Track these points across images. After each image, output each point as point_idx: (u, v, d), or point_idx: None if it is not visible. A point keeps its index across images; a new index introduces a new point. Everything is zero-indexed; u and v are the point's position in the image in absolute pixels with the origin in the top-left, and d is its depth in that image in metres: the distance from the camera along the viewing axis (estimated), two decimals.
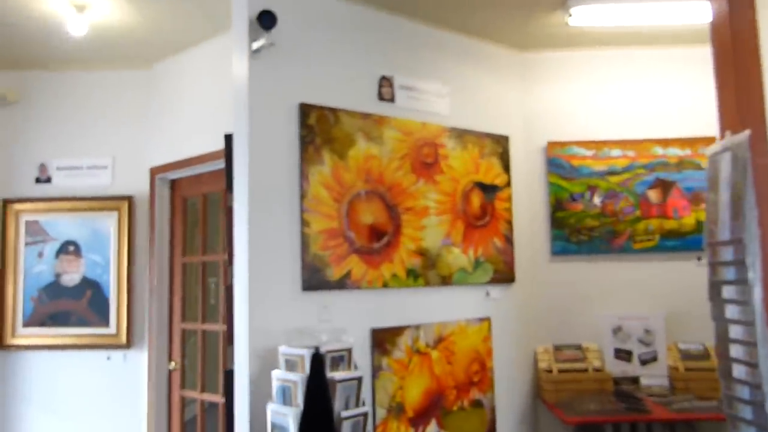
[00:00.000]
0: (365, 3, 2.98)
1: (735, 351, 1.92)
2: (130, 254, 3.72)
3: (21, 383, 3.68)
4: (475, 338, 3.19)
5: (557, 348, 3.41)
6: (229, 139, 2.79)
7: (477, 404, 3.15)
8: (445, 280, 3.08)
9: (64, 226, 3.73)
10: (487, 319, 3.26)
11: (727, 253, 1.97)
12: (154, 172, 3.73)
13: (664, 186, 3.51)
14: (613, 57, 3.64)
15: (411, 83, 3.12)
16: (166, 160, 3.66)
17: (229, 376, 2.63)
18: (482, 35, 3.43)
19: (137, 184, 3.77)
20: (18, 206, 3.74)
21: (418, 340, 2.94)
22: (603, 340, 3.39)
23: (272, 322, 2.52)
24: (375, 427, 2.72)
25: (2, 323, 3.68)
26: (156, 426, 3.59)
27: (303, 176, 2.65)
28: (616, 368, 3.32)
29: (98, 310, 3.68)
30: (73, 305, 3.69)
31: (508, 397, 3.32)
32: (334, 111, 2.78)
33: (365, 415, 2.31)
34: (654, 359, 3.31)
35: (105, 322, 3.67)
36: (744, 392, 1.85)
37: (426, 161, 3.08)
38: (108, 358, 3.68)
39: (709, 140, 3.48)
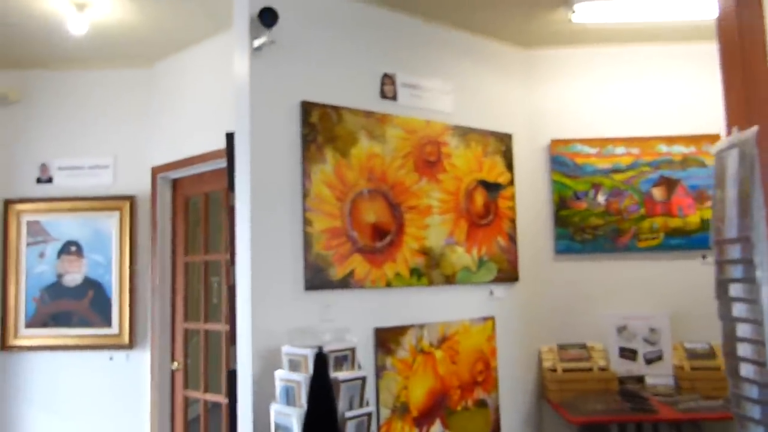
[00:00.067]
0: (367, 0, 2.96)
1: (743, 350, 1.90)
2: (132, 254, 3.71)
3: (24, 384, 3.67)
4: (479, 338, 3.17)
5: (561, 347, 3.39)
6: (230, 137, 2.77)
7: (481, 404, 3.13)
8: (449, 280, 3.06)
9: (66, 226, 3.72)
10: (491, 319, 3.24)
11: (734, 251, 1.95)
12: (156, 171, 3.72)
13: (669, 184, 3.48)
14: (617, 54, 3.61)
15: (413, 81, 3.10)
16: (167, 159, 3.64)
17: (232, 376, 2.61)
18: (485, 32, 3.41)
19: (139, 184, 3.76)
20: (19, 206, 3.73)
21: (421, 340, 2.92)
22: (608, 339, 3.37)
23: (275, 321, 2.50)
24: (379, 428, 2.71)
25: (4, 324, 3.67)
26: (159, 426, 3.58)
27: (305, 175, 2.63)
28: (621, 367, 3.30)
29: (100, 311, 3.67)
30: (75, 306, 3.67)
31: (513, 396, 3.31)
32: (336, 109, 2.76)
33: (369, 415, 2.29)
34: (659, 358, 3.29)
35: (107, 322, 3.66)
36: (752, 391, 1.83)
37: (429, 159, 3.06)
38: (111, 359, 3.66)
39: (713, 137, 3.46)
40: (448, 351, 3.02)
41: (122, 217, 3.72)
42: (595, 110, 3.60)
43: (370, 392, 2.62)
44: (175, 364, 3.63)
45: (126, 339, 3.64)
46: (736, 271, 1.94)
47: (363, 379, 2.31)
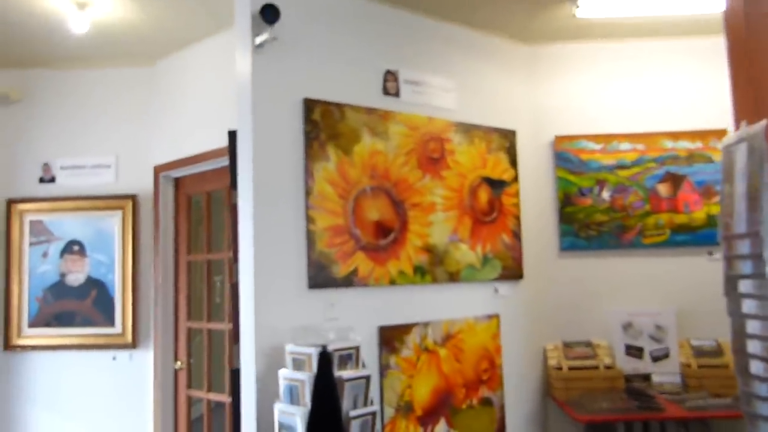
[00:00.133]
0: None
1: (752, 347, 1.87)
2: (135, 253, 3.70)
3: (27, 384, 3.66)
4: (484, 335, 3.14)
5: (567, 345, 3.36)
6: (233, 135, 2.75)
7: (486, 402, 3.11)
8: (453, 277, 3.04)
9: (68, 225, 3.71)
10: (496, 316, 3.22)
11: (743, 247, 1.92)
12: (158, 170, 3.70)
13: (675, 180, 3.45)
14: (622, 49, 3.58)
15: (416, 77, 3.08)
16: (170, 158, 3.63)
17: (235, 375, 2.60)
18: (488, 28, 3.38)
19: (141, 183, 3.75)
20: (22, 206, 3.72)
21: (426, 338, 2.90)
22: (613, 336, 3.35)
23: (278, 320, 2.48)
24: (383, 427, 2.69)
25: (8, 324, 3.66)
26: (162, 426, 3.57)
27: (308, 172, 2.61)
28: (627, 365, 3.27)
29: (103, 310, 3.66)
30: (78, 305, 3.66)
31: (518, 395, 3.28)
32: (338, 106, 2.74)
33: (374, 414, 2.27)
34: (666, 356, 3.26)
35: (110, 321, 3.65)
36: (762, 389, 1.81)
37: (432, 156, 3.04)
38: (114, 358, 3.66)
39: (720, 132, 3.43)
40: (453, 349, 3.00)
41: (125, 216, 3.71)
42: (599, 106, 3.57)
43: (374, 391, 2.60)
44: (179, 363, 3.62)
45: (129, 338, 3.63)
46: (746, 267, 1.91)
47: (367, 378, 2.29)
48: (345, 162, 2.72)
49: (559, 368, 3.26)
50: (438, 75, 3.16)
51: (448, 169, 3.09)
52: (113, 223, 3.72)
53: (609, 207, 3.45)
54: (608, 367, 3.23)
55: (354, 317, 2.68)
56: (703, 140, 3.47)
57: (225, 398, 3.32)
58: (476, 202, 3.19)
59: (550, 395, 3.34)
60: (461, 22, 3.27)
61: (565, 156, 3.50)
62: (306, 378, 2.19)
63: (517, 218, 3.35)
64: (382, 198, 2.82)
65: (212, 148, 3.31)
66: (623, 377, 3.21)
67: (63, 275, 3.68)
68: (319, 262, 2.59)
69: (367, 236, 2.75)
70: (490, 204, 3.25)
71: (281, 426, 2.24)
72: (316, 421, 2.12)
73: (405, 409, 2.78)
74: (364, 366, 2.36)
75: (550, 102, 3.58)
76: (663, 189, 3.45)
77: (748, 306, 1.89)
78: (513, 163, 3.38)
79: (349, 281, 2.67)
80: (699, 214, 3.41)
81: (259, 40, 2.53)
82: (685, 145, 3.48)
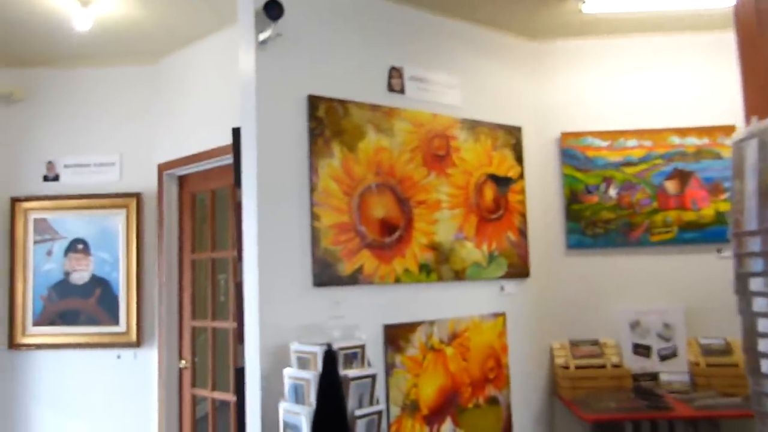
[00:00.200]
0: None
1: (764, 345, 1.84)
2: (139, 252, 3.69)
3: (31, 382, 3.66)
4: (490, 334, 3.12)
5: (573, 344, 3.33)
6: (237, 132, 2.73)
7: (493, 401, 3.08)
8: (459, 275, 3.02)
9: (73, 223, 3.70)
10: (502, 315, 3.19)
11: (754, 244, 1.89)
12: (162, 168, 3.69)
13: (682, 176, 3.42)
14: (628, 45, 3.55)
15: (421, 74, 3.05)
16: (173, 156, 3.62)
17: (240, 374, 2.58)
18: (493, 24, 3.35)
19: (145, 181, 3.74)
20: (26, 204, 3.72)
21: (432, 337, 2.88)
22: (621, 335, 3.32)
23: (283, 318, 2.46)
24: (389, 426, 2.67)
25: (12, 322, 3.66)
26: (167, 424, 3.56)
27: (312, 169, 2.59)
28: (635, 364, 3.24)
29: (108, 309, 3.65)
30: (83, 304, 3.66)
31: (524, 394, 3.26)
32: (343, 103, 2.72)
33: (380, 413, 2.25)
34: (674, 355, 3.23)
35: (115, 320, 3.65)
36: None
37: (437, 153, 3.02)
38: (118, 357, 3.65)
39: (728, 128, 3.39)
40: (459, 348, 2.98)
41: (129, 214, 3.70)
42: (605, 102, 3.53)
43: (379, 390, 2.58)
44: (183, 362, 3.61)
45: (133, 337, 3.62)
46: (756, 265, 1.88)
47: (373, 377, 2.27)
48: (350, 159, 2.70)
49: (566, 367, 3.24)
50: (443, 71, 3.14)
51: (454, 167, 3.07)
52: (117, 221, 3.71)
53: (616, 204, 3.42)
54: (615, 366, 3.20)
55: (359, 315, 2.66)
56: (710, 136, 3.43)
57: (230, 397, 3.31)
58: (482, 199, 3.16)
59: (557, 394, 3.32)
60: (466, 18, 3.24)
61: (572, 153, 3.47)
62: (311, 377, 2.17)
63: (523, 216, 3.33)
64: (388, 195, 2.80)
65: (216, 146, 3.29)
66: (631, 376, 3.18)
67: (67, 274, 3.68)
68: (324, 260, 2.57)
69: (373, 234, 2.73)
70: (496, 201, 3.22)
71: (286, 425, 2.22)
72: (322, 421, 2.11)
73: (411, 408, 2.76)
74: (369, 365, 2.34)
75: (556, 98, 3.55)
76: (670, 186, 3.42)
77: (759, 304, 1.86)
78: (519, 160, 3.35)
79: (354, 279, 2.65)
80: (707, 211, 3.38)
81: (262, 36, 2.51)
82: (693, 141, 3.44)
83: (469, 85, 3.23)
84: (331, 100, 2.68)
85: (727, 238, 3.30)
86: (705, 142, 3.43)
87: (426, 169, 2.96)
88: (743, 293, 1.97)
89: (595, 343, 3.32)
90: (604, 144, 3.47)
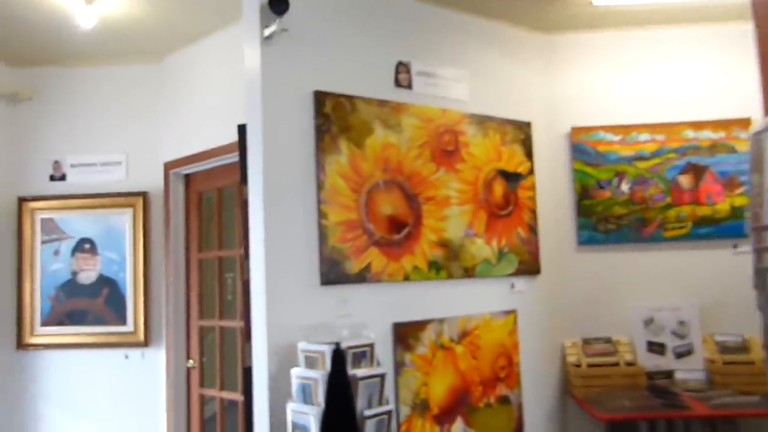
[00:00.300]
0: None
1: None
2: (146, 251, 3.67)
3: (40, 382, 3.65)
4: (501, 332, 3.07)
5: (586, 341, 3.28)
6: (242, 129, 2.70)
7: (504, 400, 3.04)
8: (469, 272, 2.97)
9: (79, 223, 3.69)
10: (513, 312, 3.14)
11: None
12: (168, 167, 3.67)
13: (696, 171, 3.35)
14: (640, 37, 3.48)
15: (429, 69, 3.00)
16: (180, 154, 3.59)
17: (247, 373, 2.55)
18: (502, 17, 3.30)
19: (151, 180, 3.72)
20: (33, 204, 3.71)
21: (441, 335, 2.83)
22: (634, 332, 3.26)
23: (290, 317, 2.43)
24: (399, 426, 2.63)
25: (20, 322, 3.65)
26: (175, 424, 3.54)
27: (319, 166, 2.56)
28: (649, 362, 3.18)
29: (115, 308, 3.64)
30: (90, 303, 3.65)
31: (536, 392, 3.21)
32: (350, 98, 2.68)
33: (389, 413, 2.21)
34: (689, 352, 3.16)
35: (122, 320, 3.63)
36: None
37: (446, 149, 2.97)
38: (126, 357, 3.63)
39: (743, 122, 3.32)
40: (469, 346, 2.93)
41: (135, 213, 3.69)
42: (617, 96, 3.47)
43: (389, 389, 2.54)
44: (191, 361, 3.59)
45: (141, 337, 3.60)
46: None
47: (382, 377, 2.23)
48: (357, 155, 2.66)
49: (578, 365, 3.18)
50: (451, 66, 3.09)
51: (463, 162, 3.02)
52: (124, 220, 3.69)
53: (628, 199, 3.36)
54: (629, 364, 3.14)
55: (368, 314, 2.62)
56: (725, 129, 3.36)
57: (238, 397, 3.28)
58: (491, 195, 3.11)
59: (570, 393, 3.26)
60: (474, 12, 3.19)
61: (582, 148, 3.41)
62: (319, 376, 2.13)
63: (534, 212, 3.27)
64: (396, 192, 2.76)
65: (222, 144, 3.27)
66: (645, 374, 3.12)
67: (75, 273, 3.67)
68: (331, 258, 2.54)
69: (381, 231, 2.69)
70: (506, 197, 3.17)
71: (294, 426, 2.18)
72: (330, 421, 2.07)
73: (421, 407, 2.72)
74: (378, 364, 2.31)
75: (566, 92, 3.50)
76: (684, 180, 3.35)
77: None
78: (528, 155, 3.30)
79: (362, 277, 2.61)
80: (722, 206, 3.31)
81: (267, 32, 2.48)
82: (707, 134, 3.37)
83: (477, 79, 3.18)
84: (337, 95, 2.64)
85: (744, 232, 3.24)
86: (720, 135, 3.36)
87: (434, 165, 2.91)
88: (762, 288, 1.92)
89: (608, 340, 3.26)
90: (616, 138, 3.41)
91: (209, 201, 3.65)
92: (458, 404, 2.86)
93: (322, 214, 2.53)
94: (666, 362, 3.18)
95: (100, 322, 3.63)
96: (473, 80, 3.16)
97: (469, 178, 3.03)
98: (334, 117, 2.62)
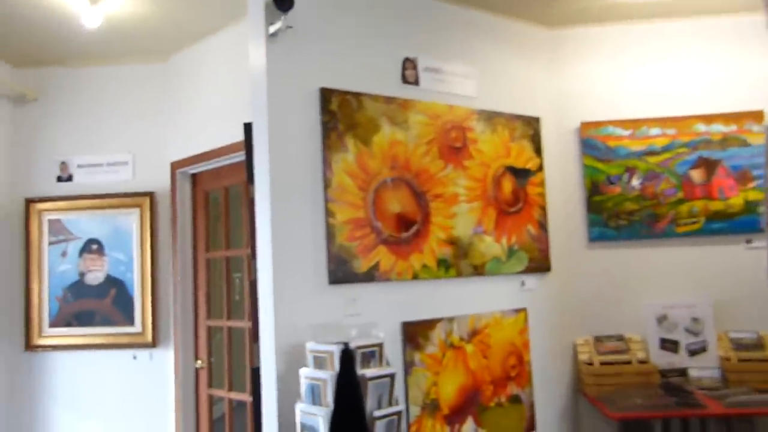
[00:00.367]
0: None
1: None
2: (153, 251, 3.66)
3: (48, 383, 3.65)
4: (511, 330, 3.03)
5: (598, 339, 3.23)
6: (248, 128, 2.68)
7: (515, 400, 3.00)
8: (478, 270, 2.93)
9: (87, 224, 3.68)
10: (523, 310, 3.11)
11: None
12: (175, 166, 3.65)
13: (708, 165, 3.30)
14: (648, 30, 3.43)
15: (436, 65, 2.97)
16: (186, 153, 3.57)
17: (255, 374, 2.53)
18: (509, 12, 3.26)
19: (158, 180, 3.70)
20: (40, 205, 3.70)
21: (451, 334, 2.80)
22: (647, 330, 3.21)
23: (298, 317, 2.41)
24: (409, 426, 2.60)
25: (29, 324, 3.65)
26: (184, 425, 3.53)
27: (326, 164, 2.53)
28: (662, 360, 3.14)
29: (123, 309, 3.63)
30: (98, 304, 3.64)
31: (548, 391, 3.17)
32: (356, 95, 2.65)
33: (399, 414, 2.18)
34: (703, 350, 3.11)
35: (130, 320, 3.62)
36: None
37: (454, 146, 2.94)
38: (134, 357, 3.62)
39: (756, 114, 3.27)
40: (479, 345, 2.90)
41: (142, 213, 3.67)
42: (626, 90, 3.42)
43: (398, 389, 2.51)
44: (199, 362, 3.57)
45: (149, 337, 3.59)
46: None
47: (392, 377, 2.20)
48: (364, 153, 2.63)
49: (590, 363, 3.14)
50: (458, 62, 3.05)
51: (471, 159, 2.98)
52: (131, 221, 3.68)
53: (639, 195, 3.31)
54: (642, 362, 3.10)
55: (376, 313, 2.59)
56: (737, 123, 3.31)
57: (247, 397, 3.26)
58: (500, 192, 3.07)
59: (582, 391, 3.22)
60: (481, 7, 3.15)
61: (592, 143, 3.37)
62: (328, 377, 2.11)
63: (543, 208, 3.23)
64: (404, 189, 2.73)
65: (229, 143, 3.24)
66: (658, 372, 3.08)
67: (82, 274, 3.66)
68: (339, 257, 2.51)
69: (389, 229, 2.65)
70: (515, 194, 3.13)
71: (303, 426, 2.16)
72: (339, 422, 2.04)
73: (431, 407, 2.69)
74: (388, 364, 2.27)
75: (575, 87, 3.45)
76: (696, 175, 3.30)
77: None
78: (537, 151, 3.26)
79: (370, 276, 2.58)
80: (735, 200, 3.25)
81: (273, 29, 2.45)
82: (719, 128, 3.32)
83: (485, 75, 3.14)
84: (344, 92, 2.62)
85: (758, 227, 3.18)
86: (732, 129, 3.31)
87: (442, 162, 2.88)
88: None
89: (620, 338, 3.22)
90: (626, 133, 3.37)
91: (216, 200, 3.63)
92: (469, 404, 2.82)
93: (329, 213, 2.51)
94: (679, 360, 3.13)
95: (107, 323, 3.62)
96: (481, 76, 3.12)
97: (477, 175, 3.00)
98: (340, 114, 2.59)
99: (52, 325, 3.64)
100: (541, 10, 3.24)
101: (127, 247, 3.67)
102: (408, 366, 2.65)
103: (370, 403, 2.12)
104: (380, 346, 2.24)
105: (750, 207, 3.22)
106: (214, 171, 3.55)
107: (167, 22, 3.27)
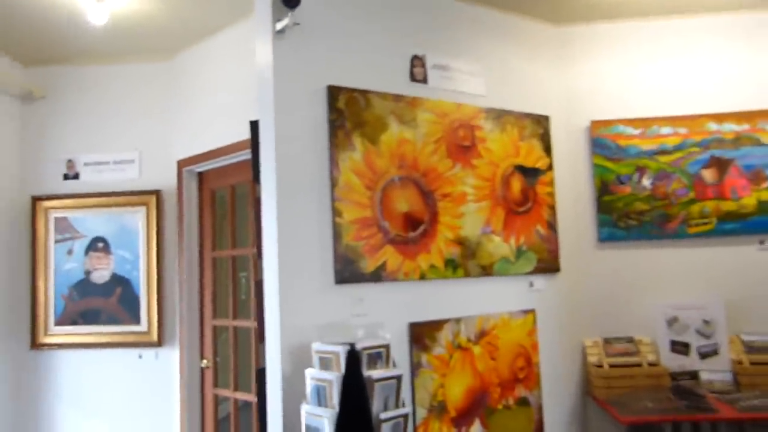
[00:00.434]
0: None
1: None
2: (159, 250, 3.65)
3: (54, 382, 3.65)
4: (520, 332, 3.00)
5: (607, 341, 3.19)
6: (254, 125, 2.66)
7: (523, 402, 2.96)
8: (486, 271, 2.90)
9: (93, 222, 3.67)
10: (532, 312, 3.07)
11: None
12: (181, 164, 3.64)
13: (720, 164, 3.25)
14: (660, 27, 3.39)
15: (444, 62, 2.94)
16: (192, 152, 3.56)
17: (261, 374, 2.51)
18: (518, 10, 3.22)
19: (164, 178, 3.69)
20: (47, 203, 3.70)
21: (459, 335, 2.77)
22: (657, 332, 3.16)
23: (304, 317, 2.38)
24: (415, 429, 2.57)
25: (34, 322, 3.65)
26: (189, 425, 3.51)
27: (333, 163, 2.50)
28: (673, 362, 3.09)
29: (129, 308, 3.62)
30: (104, 303, 3.63)
31: (556, 394, 3.13)
32: (364, 93, 2.62)
33: (406, 416, 2.15)
34: (715, 352, 3.06)
35: (136, 319, 3.61)
36: None
37: (462, 144, 2.90)
38: (140, 356, 3.61)
39: None
40: (487, 346, 2.86)
41: (149, 212, 3.66)
42: (637, 88, 3.38)
43: (405, 391, 2.48)
44: (205, 361, 3.56)
45: (155, 336, 3.58)
46: None
47: (399, 378, 2.17)
48: (372, 151, 2.60)
49: (600, 366, 3.10)
50: (466, 59, 3.02)
51: (479, 158, 2.95)
52: (137, 219, 3.67)
53: (650, 195, 3.26)
54: (652, 365, 3.05)
55: (383, 313, 2.56)
56: (750, 122, 3.26)
57: (252, 397, 3.24)
58: (509, 191, 3.04)
59: (590, 394, 3.18)
60: (489, 4, 3.12)
61: (602, 142, 3.32)
62: (333, 378, 2.08)
63: (552, 208, 3.19)
64: (411, 188, 2.70)
65: (235, 141, 3.23)
66: (668, 375, 3.03)
67: (88, 272, 3.65)
68: (346, 257, 2.48)
69: (396, 229, 2.63)
70: (524, 193, 3.09)
71: (308, 428, 2.13)
72: (345, 424, 2.02)
73: (438, 409, 2.66)
74: (394, 365, 2.25)
75: (585, 85, 3.41)
76: (708, 175, 3.25)
77: None
78: (547, 150, 3.22)
79: (377, 276, 2.55)
80: (748, 201, 3.20)
81: (279, 26, 2.43)
82: (731, 127, 3.27)
83: (494, 72, 3.11)
84: (351, 90, 2.59)
85: None
86: (744, 127, 3.26)
87: (451, 161, 2.85)
88: None
89: (630, 340, 3.17)
90: (636, 132, 3.32)
91: (222, 199, 3.61)
92: (476, 406, 2.79)
93: (336, 212, 2.48)
94: (690, 363, 3.08)
95: (113, 322, 3.61)
96: (490, 74, 3.09)
97: (486, 174, 2.96)
98: (347, 112, 2.56)
99: (58, 323, 3.64)
100: (550, 6, 3.21)
101: (133, 245, 3.66)
102: (415, 367, 2.62)
103: (376, 405, 2.10)
104: (387, 347, 2.22)
105: (763, 207, 3.17)
106: (220, 169, 3.53)
107: (173, 19, 3.25)
